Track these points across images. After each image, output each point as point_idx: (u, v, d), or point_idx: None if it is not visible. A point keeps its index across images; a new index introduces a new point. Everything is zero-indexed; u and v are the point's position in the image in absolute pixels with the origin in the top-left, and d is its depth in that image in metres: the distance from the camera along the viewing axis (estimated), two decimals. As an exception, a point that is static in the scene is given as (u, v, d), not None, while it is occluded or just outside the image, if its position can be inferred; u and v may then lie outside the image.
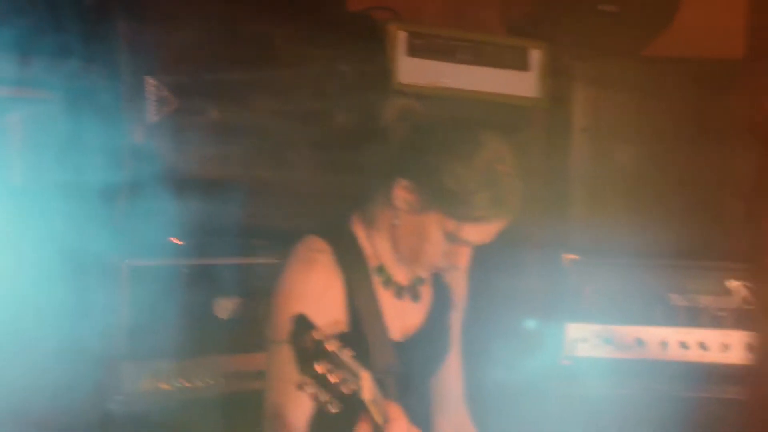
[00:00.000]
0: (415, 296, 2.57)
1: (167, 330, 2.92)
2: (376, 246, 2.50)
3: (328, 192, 3.06)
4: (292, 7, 3.15)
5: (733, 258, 3.35)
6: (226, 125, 3.04)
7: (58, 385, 2.77)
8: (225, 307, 3.04)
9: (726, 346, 3.36)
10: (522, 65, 3.56)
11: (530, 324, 3.51)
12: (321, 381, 1.93)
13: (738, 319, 3.36)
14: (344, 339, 1.98)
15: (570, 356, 3.42)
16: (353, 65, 3.22)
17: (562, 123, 3.55)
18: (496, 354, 3.33)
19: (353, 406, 2.01)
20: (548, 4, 3.69)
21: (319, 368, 1.92)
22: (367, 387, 2.02)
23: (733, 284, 3.37)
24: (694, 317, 3.40)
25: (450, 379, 2.75)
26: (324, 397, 1.93)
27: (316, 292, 2.35)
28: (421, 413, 2.25)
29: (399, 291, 2.53)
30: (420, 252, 2.43)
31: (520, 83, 3.56)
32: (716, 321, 3.38)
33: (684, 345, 3.38)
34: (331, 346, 1.93)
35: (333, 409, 1.95)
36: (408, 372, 2.45)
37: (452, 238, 2.38)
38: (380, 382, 2.10)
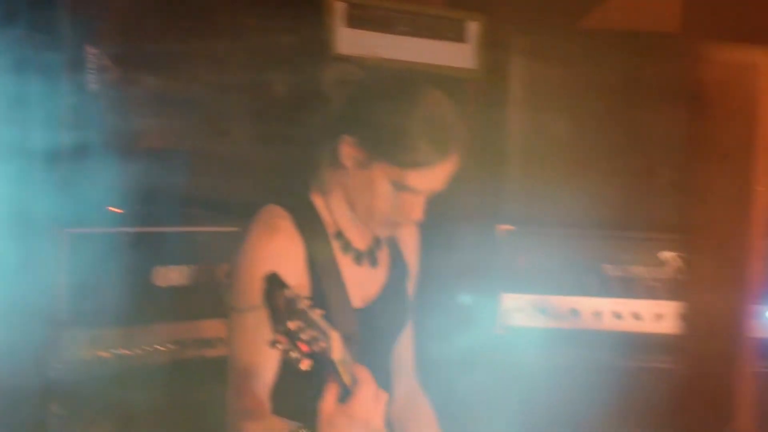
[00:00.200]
0: (374, 261, 2.59)
1: (106, 298, 2.91)
2: (333, 212, 2.52)
3: (266, 161, 3.06)
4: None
5: (666, 229, 3.37)
6: (166, 95, 3.03)
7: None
8: (164, 275, 3.04)
9: (659, 316, 3.40)
10: (459, 37, 3.57)
11: (465, 294, 3.53)
12: (293, 338, 1.93)
13: (671, 289, 3.39)
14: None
15: (505, 326, 3.44)
16: (292, 36, 3.21)
17: (498, 95, 3.56)
18: (431, 324, 3.34)
19: (322, 366, 2.01)
20: (485, -24, 3.70)
21: (292, 325, 1.92)
22: (337, 347, 2.03)
23: (666, 255, 3.41)
24: (628, 287, 3.43)
25: (403, 347, 2.78)
26: (296, 353, 1.94)
27: (280, 255, 2.37)
28: (381, 381, 2.26)
29: (358, 256, 2.55)
30: (373, 207, 2.45)
31: (457, 55, 3.57)
32: (649, 291, 3.41)
33: (618, 315, 3.42)
34: (303, 305, 1.94)
35: (304, 366, 1.96)
36: (369, 339, 2.47)
37: (399, 186, 2.40)
38: (348, 344, 2.11)
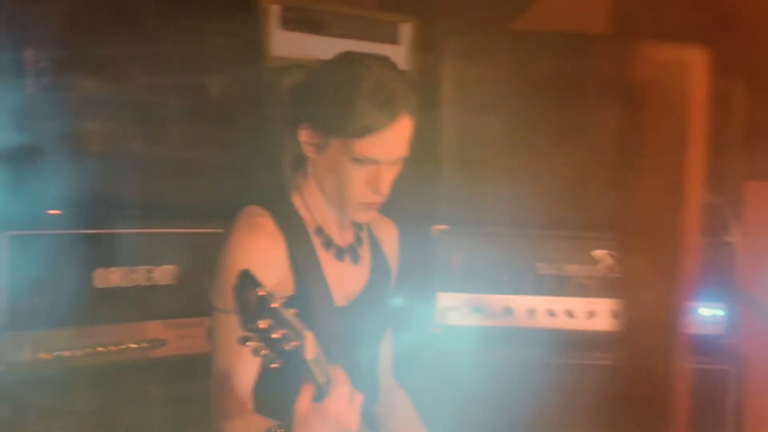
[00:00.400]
0: (356, 258, 2.61)
1: (47, 300, 2.89)
2: (311, 208, 2.54)
3: (203, 163, 3.07)
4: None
5: (598, 227, 3.41)
6: (104, 98, 3.02)
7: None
8: (104, 277, 3.02)
9: (592, 314, 3.44)
10: (392, 39, 3.59)
11: (401, 294, 3.55)
12: (263, 336, 1.93)
13: (603, 287, 3.43)
14: (289, 303, 2.00)
15: (441, 324, 3.46)
16: (227, 39, 3.21)
17: (431, 95, 3.57)
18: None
19: (297, 367, 2.01)
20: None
21: (262, 324, 1.92)
22: (310, 346, 2.02)
23: (599, 253, 3.44)
24: (561, 286, 3.46)
25: (384, 344, 2.82)
26: (265, 352, 1.94)
27: (261, 253, 2.38)
28: (365, 380, 2.27)
29: (339, 252, 2.57)
30: (342, 188, 2.46)
31: (390, 57, 3.58)
32: (582, 289, 3.45)
33: (551, 313, 3.45)
34: (275, 303, 1.94)
35: (274, 365, 1.95)
36: (352, 338, 2.48)
37: (359, 160, 2.41)
38: (324, 345, 2.11)
